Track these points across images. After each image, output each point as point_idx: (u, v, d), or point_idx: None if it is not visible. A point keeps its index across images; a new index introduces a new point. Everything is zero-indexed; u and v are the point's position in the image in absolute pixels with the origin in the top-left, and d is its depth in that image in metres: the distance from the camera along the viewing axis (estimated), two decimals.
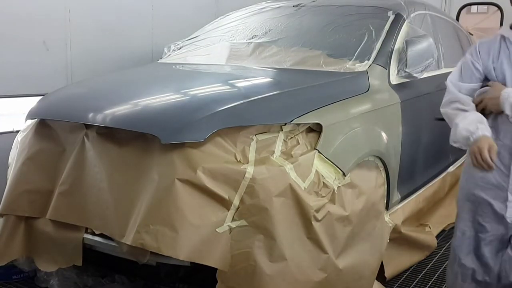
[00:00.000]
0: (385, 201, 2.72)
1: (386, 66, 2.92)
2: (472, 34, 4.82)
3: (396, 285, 2.92)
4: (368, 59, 2.89)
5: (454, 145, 2.18)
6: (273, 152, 2.15)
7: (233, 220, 2.05)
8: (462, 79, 2.25)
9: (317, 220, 2.14)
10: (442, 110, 2.30)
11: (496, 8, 5.54)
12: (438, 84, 3.50)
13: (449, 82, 2.30)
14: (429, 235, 3.32)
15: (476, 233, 2.30)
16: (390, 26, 3.11)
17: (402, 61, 2.95)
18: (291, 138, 2.22)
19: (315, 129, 2.29)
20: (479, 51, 2.23)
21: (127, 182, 2.17)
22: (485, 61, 2.20)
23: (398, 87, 2.95)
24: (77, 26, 3.93)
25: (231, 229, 2.05)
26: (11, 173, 2.60)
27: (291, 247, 2.09)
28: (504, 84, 2.14)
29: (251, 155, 2.12)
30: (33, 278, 2.81)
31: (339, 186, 2.26)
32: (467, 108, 2.19)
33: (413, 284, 2.96)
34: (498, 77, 2.17)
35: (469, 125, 2.08)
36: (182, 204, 2.01)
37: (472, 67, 2.23)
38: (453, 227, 3.77)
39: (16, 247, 2.46)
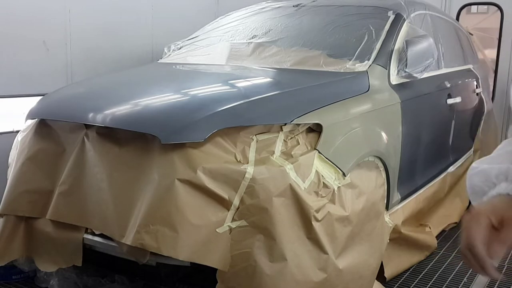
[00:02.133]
0: (385, 201, 2.72)
1: (386, 66, 2.91)
2: (472, 34, 4.82)
3: (396, 285, 2.92)
4: (368, 59, 2.89)
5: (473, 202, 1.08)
6: (273, 152, 2.15)
7: (233, 220, 2.05)
8: None
9: (317, 220, 2.14)
10: None
11: (496, 8, 5.54)
12: (438, 84, 3.51)
13: None
14: (429, 235, 3.31)
15: None
16: (390, 26, 3.11)
17: (402, 61, 2.94)
18: (291, 138, 2.22)
19: (315, 129, 2.29)
20: None
21: (127, 182, 2.17)
22: None
23: (398, 87, 2.94)
24: (77, 26, 3.93)
25: (231, 229, 2.05)
26: (11, 173, 2.59)
27: (291, 247, 2.09)
28: None
29: (251, 155, 2.12)
30: (33, 278, 2.81)
31: (339, 186, 2.26)
32: None
33: (413, 284, 2.95)
34: None
35: (500, 161, 1.00)
36: (182, 204, 2.01)
37: None
38: (453, 227, 3.78)
39: (16, 247, 2.46)
